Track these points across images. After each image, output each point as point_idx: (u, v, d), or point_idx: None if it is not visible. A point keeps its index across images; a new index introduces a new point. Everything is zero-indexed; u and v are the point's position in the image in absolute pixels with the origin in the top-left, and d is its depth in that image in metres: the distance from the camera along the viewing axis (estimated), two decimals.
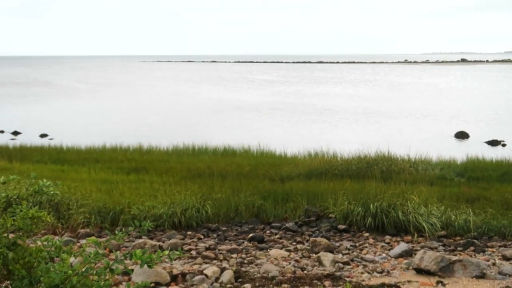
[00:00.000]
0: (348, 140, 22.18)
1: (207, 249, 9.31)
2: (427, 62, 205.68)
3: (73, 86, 78.71)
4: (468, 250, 9.40)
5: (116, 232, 3.61)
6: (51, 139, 28.20)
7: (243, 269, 8.16)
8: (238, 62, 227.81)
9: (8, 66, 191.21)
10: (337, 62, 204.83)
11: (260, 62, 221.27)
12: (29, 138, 27.05)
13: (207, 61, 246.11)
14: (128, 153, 18.87)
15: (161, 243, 9.45)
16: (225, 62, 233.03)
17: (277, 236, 10.28)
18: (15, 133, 31.88)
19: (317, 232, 10.52)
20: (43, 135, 30.37)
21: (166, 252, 3.35)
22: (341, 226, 10.64)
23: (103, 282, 3.24)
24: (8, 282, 3.30)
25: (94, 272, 3.25)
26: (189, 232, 10.38)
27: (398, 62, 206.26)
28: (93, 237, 3.64)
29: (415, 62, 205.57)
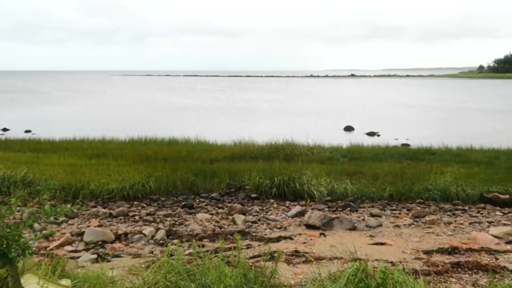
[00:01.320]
0: (263, 132, 22.07)
1: (147, 214, 9.01)
2: (326, 76, 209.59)
3: (54, 94, 75.62)
4: (346, 210, 9.49)
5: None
6: (33, 134, 26.87)
7: (174, 228, 7.93)
8: (186, 75, 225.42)
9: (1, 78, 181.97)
10: (261, 76, 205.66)
11: (203, 76, 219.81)
12: (15, 133, 25.75)
13: (162, 75, 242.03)
14: (92, 143, 18.11)
15: (111, 211, 9.07)
16: (177, 75, 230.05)
17: (204, 203, 10.07)
18: (4, 129, 30.23)
19: (235, 200, 10.38)
20: (27, 131, 28.89)
21: (68, 206, 3.11)
22: (253, 195, 10.55)
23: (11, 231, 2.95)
24: None
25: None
26: (135, 202, 10.02)
27: (306, 76, 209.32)
28: (47, 206, 3.30)
29: (318, 76, 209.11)
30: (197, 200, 10.33)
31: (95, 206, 9.58)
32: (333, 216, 8.20)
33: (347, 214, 9.04)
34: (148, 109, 45.16)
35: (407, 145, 20.48)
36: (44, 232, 3.24)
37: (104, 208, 9.48)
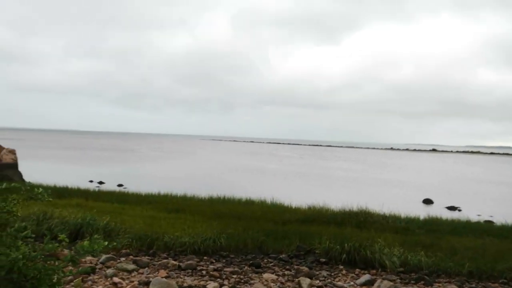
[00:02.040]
0: (337, 198, 21.42)
1: (214, 270, 8.70)
2: (407, 150, 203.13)
3: (148, 153, 79.66)
4: (419, 283, 8.58)
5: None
6: (124, 188, 28.11)
7: (238, 286, 7.55)
8: (269, 143, 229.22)
9: (106, 138, 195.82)
10: (340, 146, 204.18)
11: (285, 143, 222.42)
12: (109, 186, 27.09)
13: (247, 141, 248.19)
14: (174, 198, 18.45)
15: (181, 263, 8.89)
16: (260, 142, 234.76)
17: (272, 264, 9.60)
18: (100, 182, 32.00)
19: (304, 263, 9.81)
20: (119, 185, 30.32)
21: (105, 242, 2.94)
22: (322, 260, 9.93)
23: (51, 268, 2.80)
24: None
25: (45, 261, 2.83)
26: (205, 257, 9.78)
27: (386, 149, 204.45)
28: (86, 242, 3.19)
29: (398, 149, 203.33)
30: (265, 260, 9.90)
31: (166, 258, 9.47)
32: None
33: None
34: (230, 170, 45.96)
35: (491, 221, 18.77)
36: (80, 268, 3.06)
37: (175, 260, 9.33)
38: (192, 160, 64.17)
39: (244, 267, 9.17)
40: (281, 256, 10.13)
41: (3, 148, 28.32)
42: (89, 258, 8.90)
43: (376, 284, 7.49)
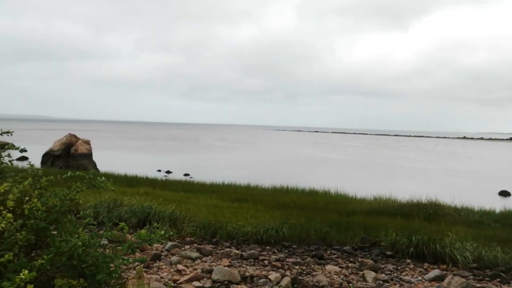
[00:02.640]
0: (404, 189, 20.61)
1: (277, 260, 8.63)
2: (481, 139, 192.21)
3: (213, 143, 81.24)
4: (495, 281, 8.03)
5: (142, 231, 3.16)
6: (190, 177, 28.82)
7: (300, 277, 7.41)
8: (334, 132, 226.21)
9: (174, 129, 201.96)
10: (409, 136, 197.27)
11: (350, 133, 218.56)
12: (176, 176, 27.86)
13: (311, 131, 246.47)
14: (238, 188, 18.61)
15: (243, 253, 8.90)
16: (325, 132, 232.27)
17: (335, 255, 9.39)
18: (168, 172, 33.00)
19: (368, 256, 9.51)
20: (186, 174, 31.11)
21: (162, 232, 2.90)
22: (388, 253, 9.58)
23: (110, 256, 2.80)
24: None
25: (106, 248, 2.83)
26: (267, 247, 9.76)
27: (458, 138, 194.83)
28: (143, 230, 3.19)
29: (472, 138, 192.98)
30: (328, 252, 9.70)
31: (229, 247, 9.54)
32: (478, 285, 6.97)
33: (496, 286, 7.64)
34: (293, 161, 45.79)
35: None
36: (138, 257, 3.05)
37: (238, 249, 9.37)
38: (256, 150, 64.66)
39: (307, 258, 9.04)
40: (344, 248, 9.89)
41: (79, 139, 29.89)
42: (155, 245, 9.14)
43: (446, 280, 7.09)
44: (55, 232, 2.90)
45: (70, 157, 28.47)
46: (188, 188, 17.43)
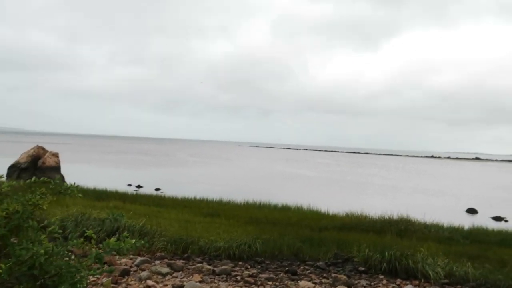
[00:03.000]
0: (375, 206, 20.82)
1: (249, 276, 8.45)
2: (448, 158, 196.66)
3: (186, 159, 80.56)
4: None
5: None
6: (162, 192, 28.35)
7: None
8: (306, 149, 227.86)
9: (146, 143, 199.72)
10: (379, 154, 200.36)
11: (322, 150, 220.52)
12: (147, 190, 27.37)
13: (284, 148, 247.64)
14: (210, 203, 18.36)
15: (215, 268, 8.68)
16: (297, 149, 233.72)
17: (309, 271, 9.27)
18: (139, 186, 32.41)
19: (342, 271, 9.43)
20: (157, 189, 30.61)
21: (132, 240, 2.74)
22: (361, 268, 9.51)
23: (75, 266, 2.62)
24: None
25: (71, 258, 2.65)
26: (240, 262, 9.56)
27: (426, 156, 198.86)
28: (112, 239, 3.01)
29: (439, 157, 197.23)
30: (301, 267, 9.57)
31: (201, 262, 9.31)
32: None
33: None
34: (266, 176, 45.76)
35: None
36: (105, 268, 2.86)
37: (210, 265, 9.15)
38: (229, 166, 64.42)
39: (280, 273, 8.89)
40: (318, 264, 9.78)
41: (47, 151, 29.11)
42: (124, 260, 8.84)
43: None
44: (15, 241, 2.69)
45: (37, 169, 27.65)
46: (159, 203, 17.10)
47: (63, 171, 30.39)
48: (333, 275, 8.83)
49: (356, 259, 10.00)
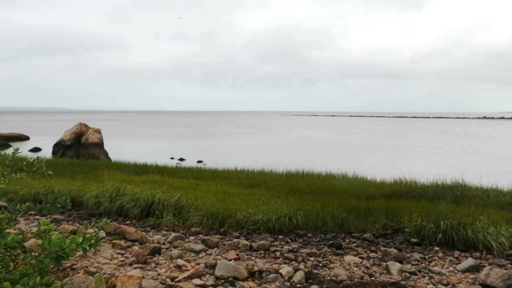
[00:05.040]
0: (426, 171, 19.60)
1: (290, 251, 7.80)
2: (502, 118, 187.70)
3: (228, 130, 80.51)
4: None
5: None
6: (204, 164, 28.15)
7: (315, 271, 6.57)
8: (351, 116, 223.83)
9: (189, 117, 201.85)
10: (427, 117, 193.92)
11: (367, 116, 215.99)
12: (189, 163, 27.19)
13: (328, 115, 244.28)
14: (250, 173, 17.80)
15: (252, 243, 8.09)
16: (342, 116, 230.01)
17: (355, 244, 8.52)
18: (181, 159, 32.39)
19: (391, 243, 8.63)
20: (199, 161, 30.46)
21: (91, 235, 2.07)
22: (414, 240, 8.67)
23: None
24: None
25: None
26: (280, 236, 8.93)
27: (478, 118, 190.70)
28: (47, 220, 2.32)
29: (492, 118, 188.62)
30: (347, 240, 8.84)
31: (238, 237, 8.74)
32: None
33: None
34: (309, 144, 44.83)
35: None
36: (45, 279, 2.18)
37: (247, 239, 8.57)
38: (271, 135, 63.78)
39: (323, 248, 8.19)
40: (365, 236, 9.01)
41: (89, 128, 29.37)
42: (157, 237, 8.40)
43: (484, 272, 6.16)
44: None
45: (81, 146, 27.98)
46: (198, 175, 16.68)
47: (107, 147, 30.70)
48: (382, 248, 8.04)
49: (408, 230, 9.16)
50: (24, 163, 2.48)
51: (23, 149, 35.68)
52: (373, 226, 9.62)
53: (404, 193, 12.69)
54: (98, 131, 29.34)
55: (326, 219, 9.86)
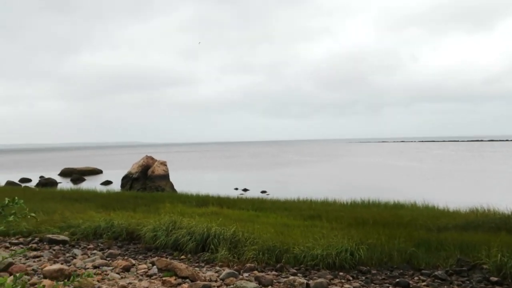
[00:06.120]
0: (506, 199, 17.98)
1: None
2: None
3: (294, 159, 79.94)
4: None
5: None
6: (267, 194, 27.76)
7: None
8: (421, 141, 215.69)
9: (256, 147, 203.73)
10: (506, 140, 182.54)
11: (439, 141, 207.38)
12: (252, 193, 26.94)
13: (397, 141, 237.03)
14: (313, 203, 17.20)
15: (309, 281, 7.50)
16: (411, 141, 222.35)
17: (424, 283, 7.66)
18: (245, 189, 32.27)
19: (467, 282, 7.68)
20: (263, 191, 30.15)
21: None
22: (494, 278, 7.67)
23: None
24: None
25: None
26: (341, 273, 8.26)
27: None
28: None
29: None
30: (415, 278, 7.99)
31: (295, 274, 8.18)
32: None
33: None
34: (377, 172, 43.25)
35: None
36: None
37: (305, 276, 7.99)
38: (337, 163, 62.46)
39: (388, 287, 7.43)
40: (436, 273, 8.11)
41: (155, 161, 30.08)
42: (209, 273, 8.05)
43: None
44: None
45: (147, 179, 28.66)
46: (259, 206, 16.31)
47: (172, 178, 31.25)
48: (455, 287, 7.16)
49: (486, 266, 8.16)
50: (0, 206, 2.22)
51: (96, 183, 37.21)
52: (445, 262, 8.68)
53: (481, 223, 11.52)
54: (163, 163, 29.97)
55: (392, 254, 9.04)
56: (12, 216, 2.22)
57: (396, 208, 15.71)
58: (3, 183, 33.14)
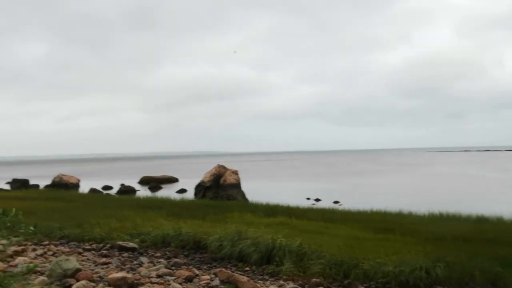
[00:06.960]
0: None
1: None
2: None
3: (370, 168, 77.71)
4: None
5: None
6: (340, 204, 26.99)
7: None
8: (509, 150, 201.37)
9: (328, 156, 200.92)
10: None
11: None
12: (324, 203, 26.32)
13: (481, 150, 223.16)
14: (386, 216, 16.28)
15: None
16: (498, 150, 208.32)
17: None
18: (317, 199, 31.64)
19: None
20: (335, 202, 29.37)
21: None
22: None
23: None
24: None
25: None
26: None
27: None
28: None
29: None
30: None
31: None
32: None
33: None
34: (459, 183, 40.73)
35: None
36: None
37: None
38: (415, 173, 59.77)
39: None
40: None
41: (227, 170, 30.36)
42: (272, 287, 7.72)
43: None
44: None
45: (219, 187, 28.98)
46: (329, 217, 15.72)
47: (245, 187, 31.38)
48: None
49: None
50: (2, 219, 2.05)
51: (172, 191, 38.28)
52: None
53: None
54: (235, 172, 30.18)
55: (474, 274, 8.19)
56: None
57: (479, 222, 14.43)
58: (86, 190, 35.04)
